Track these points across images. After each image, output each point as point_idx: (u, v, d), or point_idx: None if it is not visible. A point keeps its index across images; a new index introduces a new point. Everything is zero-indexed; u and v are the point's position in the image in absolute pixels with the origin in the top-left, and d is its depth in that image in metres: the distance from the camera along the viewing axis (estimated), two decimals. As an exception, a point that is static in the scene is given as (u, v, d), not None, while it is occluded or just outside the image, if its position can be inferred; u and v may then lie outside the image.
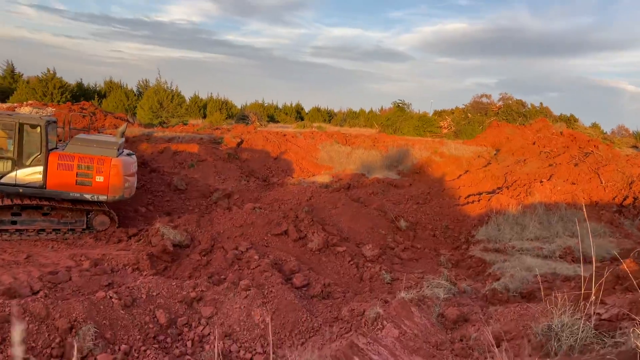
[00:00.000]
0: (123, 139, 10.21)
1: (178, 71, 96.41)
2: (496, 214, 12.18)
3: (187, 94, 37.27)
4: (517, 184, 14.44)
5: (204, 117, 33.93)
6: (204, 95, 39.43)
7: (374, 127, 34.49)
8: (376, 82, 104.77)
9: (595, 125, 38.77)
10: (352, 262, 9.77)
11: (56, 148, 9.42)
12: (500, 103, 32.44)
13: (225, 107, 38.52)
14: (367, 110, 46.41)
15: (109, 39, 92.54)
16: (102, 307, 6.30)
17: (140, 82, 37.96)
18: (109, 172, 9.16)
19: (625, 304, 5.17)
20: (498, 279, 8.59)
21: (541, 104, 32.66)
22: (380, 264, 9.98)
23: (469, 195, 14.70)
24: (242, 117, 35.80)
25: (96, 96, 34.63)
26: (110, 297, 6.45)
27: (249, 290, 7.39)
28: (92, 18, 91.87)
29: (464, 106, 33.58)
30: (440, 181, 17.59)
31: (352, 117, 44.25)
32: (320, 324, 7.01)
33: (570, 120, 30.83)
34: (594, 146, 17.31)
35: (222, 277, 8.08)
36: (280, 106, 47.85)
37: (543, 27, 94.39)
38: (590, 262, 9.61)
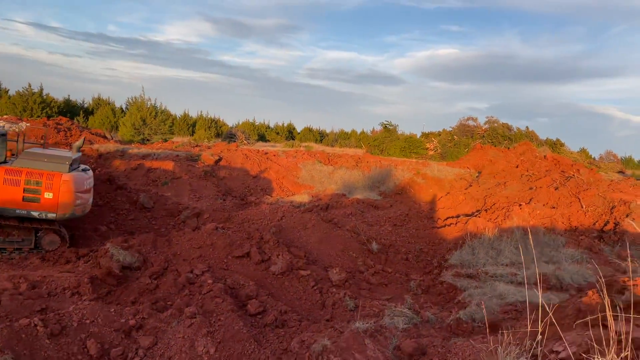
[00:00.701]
0: (79, 154, 9.76)
1: (172, 90, 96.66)
2: (472, 238, 11.76)
3: (180, 113, 37.13)
4: (495, 207, 14.07)
5: (192, 135, 33.67)
6: (194, 114, 39.28)
7: (363, 147, 34.30)
8: (370, 104, 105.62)
9: (583, 151, 38.86)
10: (316, 287, 9.25)
11: (5, 162, 8.95)
12: (486, 126, 32.41)
13: (215, 126, 38.33)
14: (358, 131, 46.50)
15: (104, 57, 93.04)
16: (23, 335, 5.76)
17: (129, 99, 37.75)
18: (58, 188, 8.68)
19: (584, 341, 4.73)
20: (466, 307, 8.12)
21: (527, 127, 32.71)
22: (346, 289, 9.47)
23: (447, 218, 14.30)
24: (229, 135, 35.58)
25: (82, 112, 34.29)
26: (35, 325, 5.91)
27: (195, 318, 6.86)
28: (88, 37, 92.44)
29: (450, 128, 33.55)
30: (420, 203, 17.20)
31: (343, 138, 44.29)
32: (268, 357, 6.48)
33: (555, 145, 30.76)
34: (576, 170, 17.04)
35: (169, 303, 7.54)
36: (272, 125, 47.82)
37: (534, 54, 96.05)
38: (566, 290, 9.18)
